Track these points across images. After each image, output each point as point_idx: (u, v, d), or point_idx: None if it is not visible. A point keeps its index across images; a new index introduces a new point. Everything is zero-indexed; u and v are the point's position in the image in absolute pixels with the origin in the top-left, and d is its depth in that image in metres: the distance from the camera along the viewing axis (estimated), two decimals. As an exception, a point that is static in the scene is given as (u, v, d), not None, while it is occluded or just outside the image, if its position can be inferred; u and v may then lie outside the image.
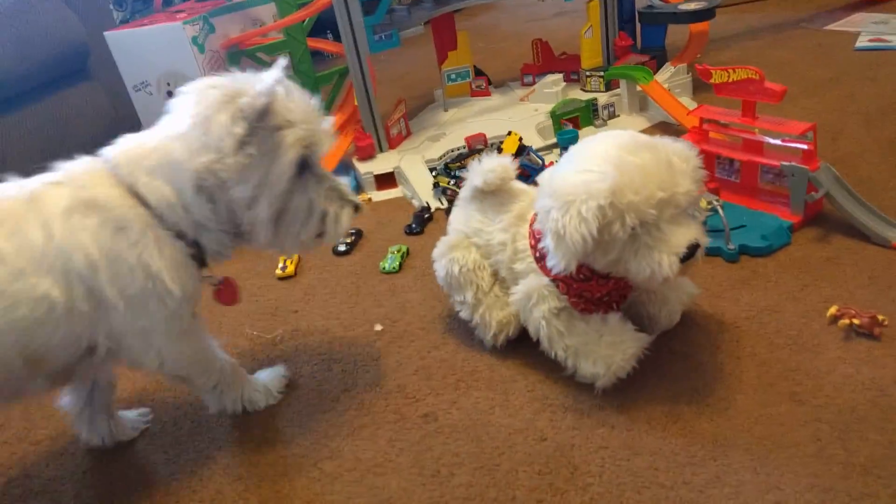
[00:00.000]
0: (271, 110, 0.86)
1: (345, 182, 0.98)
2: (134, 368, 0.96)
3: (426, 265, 1.38)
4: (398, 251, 1.42)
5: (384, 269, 1.39)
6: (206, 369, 1.01)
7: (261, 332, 1.29)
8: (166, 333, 0.92)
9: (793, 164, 1.21)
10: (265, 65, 2.16)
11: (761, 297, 1.10)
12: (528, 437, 0.94)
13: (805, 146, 1.21)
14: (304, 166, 0.91)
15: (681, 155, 0.87)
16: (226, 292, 1.04)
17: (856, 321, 0.98)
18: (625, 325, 0.96)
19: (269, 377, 1.12)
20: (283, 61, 0.91)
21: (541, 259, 0.96)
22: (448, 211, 1.54)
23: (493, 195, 1.07)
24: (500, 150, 1.70)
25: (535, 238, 0.98)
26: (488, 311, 1.07)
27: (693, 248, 0.85)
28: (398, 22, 1.84)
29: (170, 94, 0.97)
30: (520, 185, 1.08)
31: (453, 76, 2.05)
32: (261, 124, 0.86)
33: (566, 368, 0.98)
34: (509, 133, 1.73)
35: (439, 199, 1.60)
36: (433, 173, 1.68)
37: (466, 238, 1.09)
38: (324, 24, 2.49)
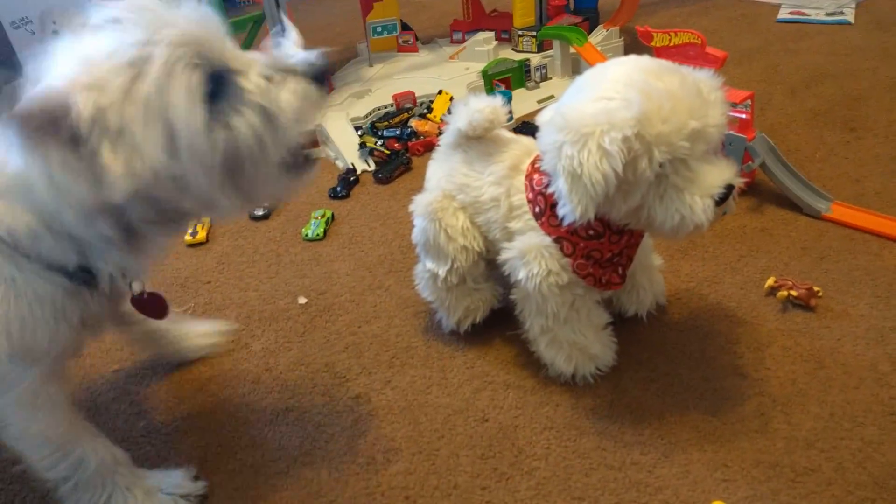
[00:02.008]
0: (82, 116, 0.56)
1: (290, 44, 0.67)
2: None
3: (353, 232, 1.29)
4: (322, 216, 1.32)
5: (307, 235, 1.29)
6: (55, 455, 0.75)
7: (170, 305, 1.15)
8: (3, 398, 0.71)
9: (730, 132, 1.19)
10: None
11: (700, 267, 1.08)
12: (468, 418, 0.88)
13: (743, 115, 1.19)
14: (216, 93, 0.61)
15: (707, 84, 0.76)
16: (150, 306, 0.82)
17: (793, 293, 0.98)
18: (613, 345, 0.91)
19: (168, 485, 0.83)
20: None
21: (541, 215, 0.84)
22: (376, 173, 1.44)
23: (479, 144, 0.91)
24: (429, 110, 1.62)
25: (534, 190, 0.84)
26: (457, 296, 0.97)
27: (728, 190, 0.74)
28: (320, -35, 1.68)
29: (56, 35, 0.78)
30: (508, 134, 0.93)
31: (379, 29, 1.93)
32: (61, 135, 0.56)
33: (523, 328, 0.91)
34: (440, 92, 1.64)
35: (366, 161, 1.49)
36: (359, 133, 1.57)
37: (449, 197, 0.93)
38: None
